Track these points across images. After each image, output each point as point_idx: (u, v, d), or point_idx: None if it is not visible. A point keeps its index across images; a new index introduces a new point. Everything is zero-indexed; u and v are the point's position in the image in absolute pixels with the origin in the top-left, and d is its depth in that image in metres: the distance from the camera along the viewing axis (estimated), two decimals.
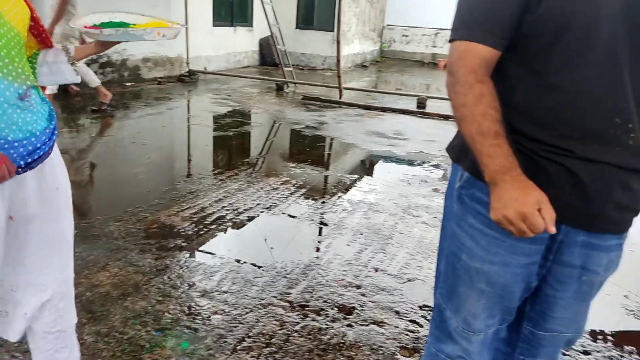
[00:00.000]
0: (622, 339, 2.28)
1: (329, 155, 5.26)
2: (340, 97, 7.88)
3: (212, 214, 3.35)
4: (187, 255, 2.77)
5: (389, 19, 15.71)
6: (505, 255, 1.13)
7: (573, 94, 1.02)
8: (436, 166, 4.89)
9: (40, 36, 1.34)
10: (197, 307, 2.27)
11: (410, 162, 4.98)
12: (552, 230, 0.97)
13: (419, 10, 15.52)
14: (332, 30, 11.54)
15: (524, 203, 0.97)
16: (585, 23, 0.99)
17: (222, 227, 3.16)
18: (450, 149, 1.27)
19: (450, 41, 1.11)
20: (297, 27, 12.52)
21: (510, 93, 1.08)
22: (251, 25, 11.68)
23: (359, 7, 13.12)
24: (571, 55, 1.01)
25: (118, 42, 1.46)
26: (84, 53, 1.47)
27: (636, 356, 2.16)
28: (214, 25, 10.34)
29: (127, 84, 8.17)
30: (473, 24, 1.06)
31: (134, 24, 1.51)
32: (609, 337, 2.28)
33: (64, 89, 6.86)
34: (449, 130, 6.40)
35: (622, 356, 2.16)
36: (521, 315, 1.25)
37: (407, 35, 15.78)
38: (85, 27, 1.46)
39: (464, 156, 1.16)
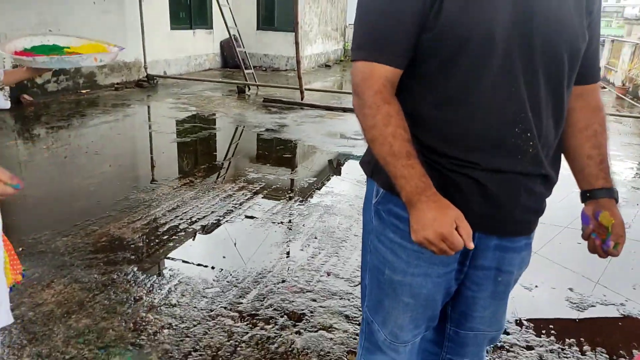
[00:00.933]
0: (563, 331, 2.36)
1: (288, 158, 5.25)
2: (301, 99, 7.88)
3: (164, 224, 3.29)
4: (136, 268, 2.72)
5: (351, 18, 15.79)
6: (425, 267, 1.15)
7: (474, 107, 1.04)
8: None
9: None
10: (143, 323, 2.23)
11: None
12: (471, 246, 1.00)
13: None
14: (294, 31, 11.50)
15: (442, 223, 0.98)
16: (482, 36, 1.01)
17: (174, 237, 3.12)
18: (363, 164, 1.28)
19: (352, 61, 1.12)
20: (259, 28, 12.45)
21: (414, 109, 1.09)
22: (211, 28, 11.55)
23: (319, 7, 13.14)
24: (470, 69, 1.03)
25: (52, 69, 1.41)
26: (15, 77, 1.40)
27: (576, 348, 2.24)
28: (172, 28, 10.19)
29: (83, 91, 7.96)
30: (374, 45, 1.07)
31: (68, 47, 1.41)
32: (551, 331, 2.35)
33: (17, 100, 6.64)
34: None
35: (563, 349, 2.23)
36: (444, 317, 1.28)
37: None
38: (15, 52, 1.36)
39: (378, 172, 1.17)
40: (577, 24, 1.07)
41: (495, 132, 1.04)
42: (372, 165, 1.22)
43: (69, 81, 7.78)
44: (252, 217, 3.48)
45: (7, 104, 1.37)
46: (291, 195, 4.01)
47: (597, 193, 1.17)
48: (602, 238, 1.13)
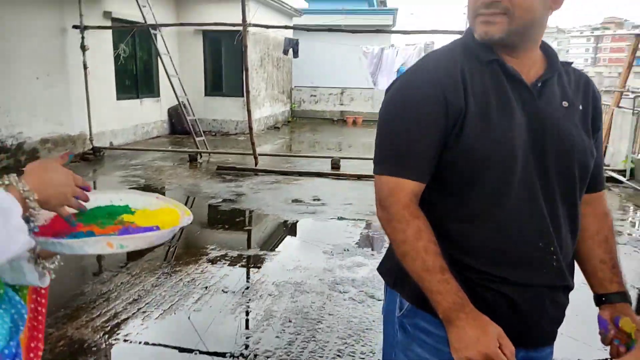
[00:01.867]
0: None
1: (249, 231, 5.16)
2: (256, 165, 7.88)
3: (126, 319, 3.08)
4: None
5: (296, 81, 16.27)
6: None
7: (499, 223, 1.08)
8: (355, 231, 4.97)
9: None
10: None
11: (330, 230, 5.02)
12: None
13: (323, 71, 16.27)
14: (242, 96, 11.66)
15: (486, 344, 0.98)
16: (503, 156, 1.07)
17: (138, 333, 2.92)
18: (385, 272, 1.26)
19: (376, 174, 1.15)
20: (207, 94, 12.53)
21: (439, 222, 1.11)
22: (158, 96, 11.51)
23: (266, 72, 13.47)
24: (494, 187, 1.07)
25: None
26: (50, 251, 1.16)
27: None
28: (119, 98, 10.04)
29: (24, 169, 7.57)
30: (399, 160, 1.10)
31: (132, 212, 1.07)
32: None
33: None
34: (364, 191, 6.60)
35: None
36: None
37: (315, 95, 16.40)
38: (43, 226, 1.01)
39: (402, 283, 1.16)
40: (586, 141, 1.15)
41: (521, 247, 1.08)
42: (394, 276, 1.20)
43: (9, 159, 7.40)
44: (219, 303, 3.33)
45: (44, 282, 1.02)
46: (257, 274, 3.90)
47: (613, 297, 1.19)
48: (626, 344, 1.13)
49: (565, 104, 1.14)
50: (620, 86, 8.58)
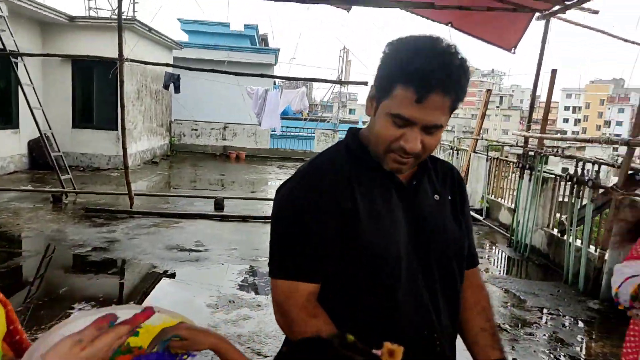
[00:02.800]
0: None
1: (122, 284, 4.76)
2: (131, 206, 7.37)
3: None
4: None
5: (176, 114, 15.76)
6: None
7: (390, 318, 1.14)
8: (240, 279, 4.85)
9: (14, 347, 1.02)
10: None
11: (214, 280, 4.84)
12: None
13: (205, 105, 16.00)
14: (115, 129, 10.93)
15: None
16: (393, 256, 1.14)
17: None
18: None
19: (271, 277, 1.16)
20: (75, 125, 11.55)
21: (334, 316, 1.13)
22: (17, 127, 10.32)
23: (143, 104, 12.86)
24: (386, 286, 1.14)
25: None
26: None
27: None
28: None
29: None
30: (294, 263, 1.13)
31: (145, 327, 0.90)
32: None
33: None
34: (249, 234, 6.52)
35: None
36: None
37: (196, 129, 16.02)
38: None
39: None
40: (457, 230, 1.26)
41: (409, 337, 1.13)
42: None
43: None
44: None
45: None
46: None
47: None
48: None
49: (436, 197, 1.25)
50: (475, 134, 9.70)
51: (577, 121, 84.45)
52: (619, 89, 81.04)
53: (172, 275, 4.91)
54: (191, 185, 10.65)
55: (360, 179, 1.17)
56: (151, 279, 4.83)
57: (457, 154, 10.15)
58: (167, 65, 8.40)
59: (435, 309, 1.19)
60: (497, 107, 78.77)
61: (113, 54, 7.49)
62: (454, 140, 10.94)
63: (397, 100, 1.06)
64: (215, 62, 13.97)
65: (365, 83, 7.55)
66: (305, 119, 19.37)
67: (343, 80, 14.18)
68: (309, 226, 1.13)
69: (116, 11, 8.08)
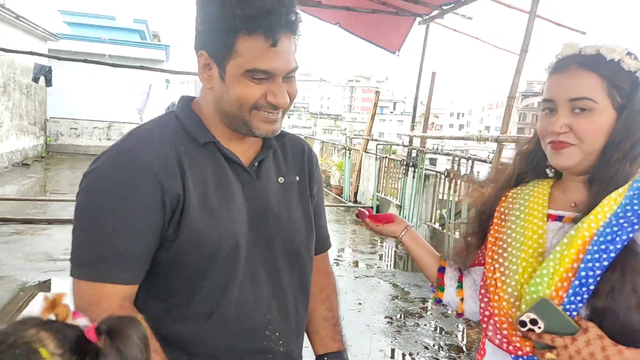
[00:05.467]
0: None
1: None
2: None
3: None
4: None
5: (52, 112, 14.35)
6: None
7: (224, 319, 1.00)
8: None
9: None
10: None
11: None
12: None
13: (85, 103, 14.78)
14: None
15: None
16: (229, 248, 0.98)
17: None
18: None
19: (73, 277, 0.94)
20: None
21: (157, 326, 0.93)
22: None
23: (11, 99, 11.51)
24: (218, 281, 0.99)
25: None
26: None
27: None
28: None
29: None
30: (103, 262, 0.92)
31: None
32: None
33: None
34: None
35: None
36: None
37: (76, 128, 14.71)
38: None
39: None
40: (305, 216, 1.14)
41: (248, 339, 1.01)
42: None
43: None
44: None
45: None
46: None
47: (334, 357, 1.19)
48: None
49: (281, 179, 1.11)
50: (366, 134, 9.99)
51: (461, 126, 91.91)
52: (496, 97, 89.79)
53: (35, 286, 4.33)
54: (70, 190, 9.69)
55: (193, 159, 0.99)
56: (8, 294, 4.21)
57: (350, 153, 10.38)
58: (32, 54, 7.53)
59: (280, 305, 1.07)
60: (391, 112, 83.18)
61: None
62: (346, 140, 11.20)
63: (247, 53, 0.92)
64: (98, 55, 12.95)
65: None
66: None
67: None
68: (125, 214, 0.92)
69: None
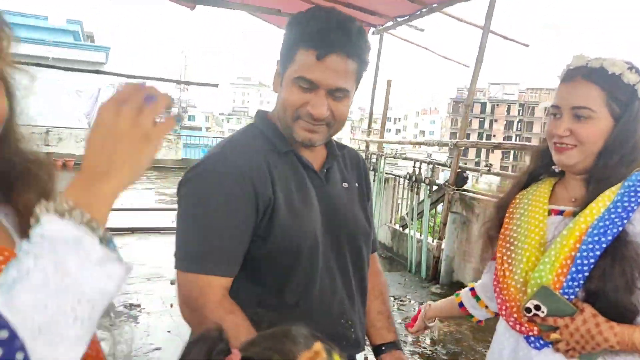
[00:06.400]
0: None
1: None
2: None
3: None
4: None
5: None
6: None
7: (307, 311, 1.11)
8: None
9: None
10: None
11: None
12: None
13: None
14: None
15: None
16: (310, 244, 1.11)
17: None
18: None
19: (181, 271, 1.05)
20: None
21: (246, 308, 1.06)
22: None
23: None
24: (305, 275, 1.11)
25: None
26: None
27: None
28: None
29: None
30: (208, 256, 1.04)
31: None
32: None
33: None
34: None
35: None
36: None
37: None
38: None
39: None
40: (364, 217, 1.27)
41: (326, 327, 1.10)
42: None
43: None
44: None
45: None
46: None
47: (391, 346, 1.32)
48: None
49: (345, 185, 1.26)
50: None
51: (397, 131, 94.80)
52: (430, 103, 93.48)
53: None
54: None
55: (277, 166, 1.13)
56: None
57: None
58: None
59: (349, 296, 1.20)
60: None
61: None
62: None
63: (299, 63, 1.06)
64: (33, 57, 12.24)
65: (216, 85, 7.37)
66: None
67: (188, 81, 13.61)
68: (225, 215, 1.05)
69: None
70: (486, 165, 5.62)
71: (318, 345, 0.55)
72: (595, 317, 1.06)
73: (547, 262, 1.13)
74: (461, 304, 1.55)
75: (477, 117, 71.67)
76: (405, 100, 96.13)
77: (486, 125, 72.61)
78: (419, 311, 1.61)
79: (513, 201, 1.35)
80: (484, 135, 67.66)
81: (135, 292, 4.29)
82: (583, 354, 1.07)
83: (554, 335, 1.07)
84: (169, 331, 3.59)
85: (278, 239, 1.07)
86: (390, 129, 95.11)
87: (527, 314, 1.11)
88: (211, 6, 6.56)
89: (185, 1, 6.34)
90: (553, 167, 1.29)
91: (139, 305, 4.05)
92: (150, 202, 9.42)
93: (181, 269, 1.05)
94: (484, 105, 72.66)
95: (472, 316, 1.54)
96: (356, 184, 1.30)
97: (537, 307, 1.09)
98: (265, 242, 1.08)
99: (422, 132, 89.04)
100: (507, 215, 1.34)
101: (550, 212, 1.25)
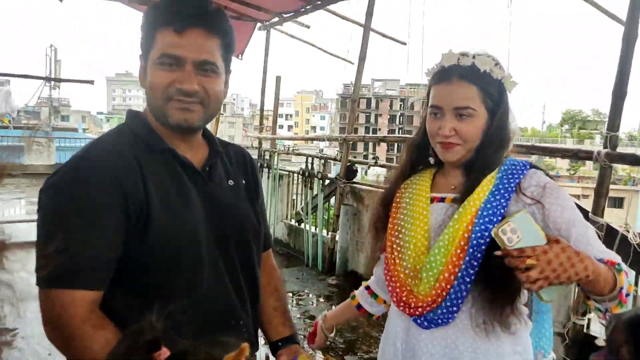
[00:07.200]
0: None
1: None
2: None
3: None
4: None
5: None
6: None
7: (193, 315, 1.04)
8: None
9: None
10: None
11: None
12: None
13: None
14: None
15: None
16: (191, 250, 1.06)
17: None
18: None
19: (41, 288, 0.95)
20: None
21: (125, 326, 0.96)
22: None
23: None
24: (185, 282, 1.06)
25: None
26: None
27: None
28: None
29: None
30: (71, 268, 0.94)
31: None
32: None
33: None
34: None
35: None
36: None
37: None
38: None
39: None
40: (253, 214, 1.26)
41: (214, 329, 1.07)
42: None
43: None
44: None
45: None
46: None
47: (287, 340, 1.32)
48: None
49: (230, 182, 1.23)
50: None
51: (289, 127, 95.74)
52: (319, 99, 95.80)
53: None
54: None
55: (151, 165, 1.07)
56: None
57: None
58: None
59: (240, 295, 1.18)
60: (221, 114, 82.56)
61: None
62: None
63: (160, 43, 1.05)
64: None
65: (92, 82, 6.82)
66: (6, 127, 16.19)
67: (59, 78, 12.39)
68: (90, 219, 0.97)
69: None
70: (374, 158, 5.88)
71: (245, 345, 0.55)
72: (570, 248, 1.04)
73: (441, 246, 1.20)
74: (359, 306, 1.57)
75: (363, 112, 74.88)
76: (296, 96, 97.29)
77: (372, 119, 76.19)
78: (316, 324, 1.60)
79: (398, 192, 1.42)
80: (370, 129, 70.90)
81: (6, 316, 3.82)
82: (546, 288, 1.03)
83: (530, 261, 1.01)
84: (49, 354, 3.26)
85: (155, 241, 1.02)
86: (282, 125, 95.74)
87: (503, 236, 1.05)
88: None
89: None
90: (429, 159, 1.37)
91: (14, 330, 3.62)
92: (21, 213, 8.46)
93: (41, 286, 0.96)
94: (369, 100, 76.11)
95: (372, 315, 1.58)
96: (243, 181, 1.28)
97: (514, 231, 1.05)
98: (142, 246, 1.01)
99: (314, 128, 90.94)
100: (393, 205, 1.41)
101: (432, 200, 1.33)
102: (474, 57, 1.24)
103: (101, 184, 0.98)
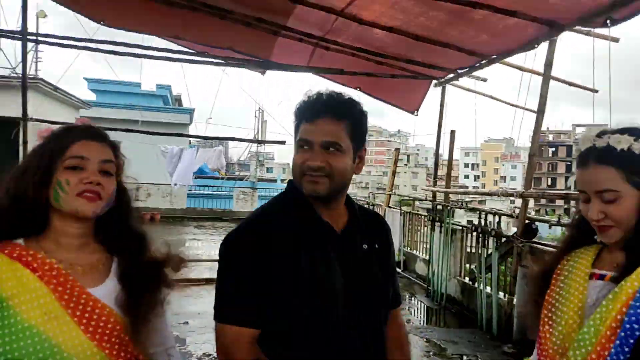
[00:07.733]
0: None
1: None
2: None
3: None
4: None
5: None
6: None
7: None
8: None
9: None
10: None
11: None
12: None
13: None
14: None
15: None
16: (329, 309, 1.23)
17: None
18: None
19: (217, 321, 1.24)
20: None
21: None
22: None
23: None
24: (326, 331, 1.23)
25: None
26: None
27: None
28: None
29: None
30: (239, 308, 1.21)
31: None
32: None
33: None
34: None
35: None
36: None
37: None
38: None
39: None
40: (383, 277, 1.37)
41: None
42: None
43: None
44: None
45: None
46: None
47: None
48: None
49: (365, 246, 1.36)
50: (388, 190, 10.21)
51: (476, 177, 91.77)
52: (510, 147, 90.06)
53: None
54: None
55: (304, 233, 1.27)
56: None
57: (373, 208, 10.56)
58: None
59: (366, 350, 1.28)
60: (405, 164, 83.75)
61: (13, 113, 7.05)
62: (369, 196, 11.40)
63: (300, 131, 1.28)
64: (127, 121, 13.62)
65: (284, 142, 7.76)
66: (222, 178, 19.21)
67: (260, 139, 14.39)
68: (250, 273, 1.20)
69: (17, 69, 7.70)
70: (558, 215, 5.34)
71: None
72: None
73: (591, 325, 1.14)
74: None
75: (563, 161, 67.82)
76: (483, 144, 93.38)
77: (574, 167, 68.26)
78: None
79: (559, 265, 1.36)
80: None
81: (204, 343, 4.49)
82: None
83: None
84: None
85: (299, 298, 1.20)
86: (468, 175, 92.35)
87: None
88: (279, 70, 7.05)
89: (255, 68, 6.87)
90: (595, 236, 1.30)
91: (209, 355, 4.23)
92: None
93: (217, 320, 1.23)
94: (569, 148, 68.76)
95: None
96: (376, 245, 1.39)
97: None
98: (288, 301, 1.21)
99: (503, 178, 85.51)
100: (553, 278, 1.35)
101: (592, 276, 1.25)
102: (609, 136, 1.19)
103: (271, 240, 1.23)
